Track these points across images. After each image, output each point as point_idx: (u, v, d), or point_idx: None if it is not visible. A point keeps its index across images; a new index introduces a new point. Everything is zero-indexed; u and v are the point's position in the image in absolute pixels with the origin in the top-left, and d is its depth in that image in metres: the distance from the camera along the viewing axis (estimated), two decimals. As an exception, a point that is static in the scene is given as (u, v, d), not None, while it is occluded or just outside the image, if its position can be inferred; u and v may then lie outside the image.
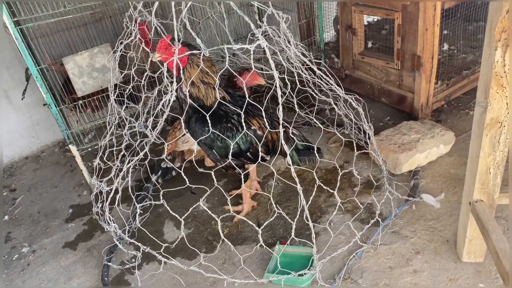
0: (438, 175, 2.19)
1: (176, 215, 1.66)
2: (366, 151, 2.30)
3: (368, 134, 1.93)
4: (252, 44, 1.29)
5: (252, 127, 1.94)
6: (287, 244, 1.93)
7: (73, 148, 2.37)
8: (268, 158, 2.08)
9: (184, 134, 2.23)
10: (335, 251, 1.81)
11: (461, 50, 2.78)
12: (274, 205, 1.59)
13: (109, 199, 1.82)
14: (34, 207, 2.58)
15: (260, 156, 2.01)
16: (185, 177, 1.60)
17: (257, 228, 1.59)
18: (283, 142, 1.48)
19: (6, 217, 2.54)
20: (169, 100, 1.54)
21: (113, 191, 1.81)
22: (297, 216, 1.59)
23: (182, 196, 2.42)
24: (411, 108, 2.55)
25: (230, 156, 1.83)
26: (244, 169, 2.07)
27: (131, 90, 1.99)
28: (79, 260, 2.15)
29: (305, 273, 1.68)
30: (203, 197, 1.65)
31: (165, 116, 1.62)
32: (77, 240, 2.28)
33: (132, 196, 1.84)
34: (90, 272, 2.07)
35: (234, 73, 1.74)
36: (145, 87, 2.08)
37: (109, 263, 1.99)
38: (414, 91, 2.48)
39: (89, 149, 2.47)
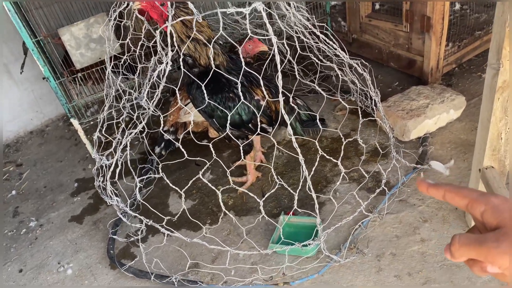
0: (447, 141, 2.12)
1: (177, 188, 1.63)
2: (373, 118, 2.23)
3: (375, 100, 1.86)
4: (247, 8, 1.22)
5: (256, 97, 1.88)
6: (291, 215, 1.90)
7: (75, 122, 2.34)
8: (270, 129, 2.03)
9: (186, 105, 2.18)
10: (340, 220, 1.78)
11: (473, 10, 2.65)
12: (275, 176, 1.54)
13: (109, 173, 1.79)
14: (41, 182, 2.59)
15: (261, 127, 1.98)
16: (183, 150, 1.56)
17: (258, 200, 1.55)
18: (283, 111, 1.42)
19: (14, 192, 2.55)
20: (164, 70, 1.48)
21: (113, 165, 1.79)
22: (299, 187, 1.54)
23: (187, 168, 2.40)
24: (421, 72, 2.45)
25: (229, 127, 1.79)
26: (247, 140, 2.03)
27: (128, 60, 1.93)
28: (85, 233, 2.16)
29: (309, 244, 1.65)
30: (202, 170, 1.61)
31: (161, 87, 1.57)
32: (83, 213, 2.28)
33: (132, 171, 1.80)
34: (96, 245, 2.08)
35: (234, 43, 1.67)
36: (142, 57, 2.02)
37: (114, 236, 1.99)
38: (423, 54, 2.38)
39: (91, 123, 2.44)
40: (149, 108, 1.69)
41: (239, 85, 1.34)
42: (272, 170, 1.54)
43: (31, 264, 2.06)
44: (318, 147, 1.51)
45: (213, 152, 1.50)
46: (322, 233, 1.63)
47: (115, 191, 1.85)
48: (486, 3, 2.73)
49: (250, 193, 1.63)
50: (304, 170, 1.48)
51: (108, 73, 1.87)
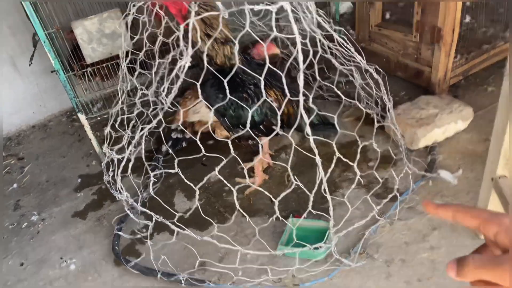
0: (455, 151, 2.14)
1: (191, 184, 1.62)
2: (381, 125, 2.25)
3: (388, 106, 1.87)
4: (273, 5, 1.22)
5: (269, 98, 1.88)
6: (304, 217, 1.90)
7: (81, 117, 2.32)
8: (281, 132, 2.03)
9: (195, 105, 2.17)
10: (351, 225, 1.78)
11: (481, 24, 2.69)
12: (291, 177, 1.54)
13: (121, 167, 1.78)
14: (43, 176, 2.56)
15: (271, 129, 1.98)
16: (200, 145, 1.56)
17: (274, 200, 1.55)
18: (302, 112, 1.43)
19: (15, 185, 2.52)
20: (184, 65, 1.48)
21: (125, 159, 1.78)
22: (315, 188, 1.54)
23: (193, 167, 2.39)
24: (428, 83, 2.48)
25: (241, 127, 1.79)
26: (257, 141, 2.03)
27: (142, 57, 1.92)
28: (89, 229, 2.13)
29: (320, 246, 1.65)
30: (220, 165, 1.60)
31: (179, 82, 1.57)
32: (86, 209, 2.26)
33: (146, 164, 1.79)
34: (100, 241, 2.06)
35: (259, 39, 1.69)
36: (157, 54, 2.02)
37: (120, 233, 1.97)
38: (432, 65, 2.40)
39: (98, 118, 2.42)
40: (165, 103, 1.69)
41: (262, 82, 1.34)
42: (289, 170, 1.53)
43: (33, 258, 2.03)
44: (335, 148, 1.51)
45: (231, 148, 1.49)
46: (334, 236, 1.63)
47: (122, 186, 1.83)
48: (493, 18, 2.77)
49: (265, 192, 1.61)
50: (321, 171, 1.48)
51: (123, 67, 1.86)
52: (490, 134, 2.19)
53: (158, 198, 1.77)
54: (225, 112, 1.83)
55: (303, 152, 1.74)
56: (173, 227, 1.68)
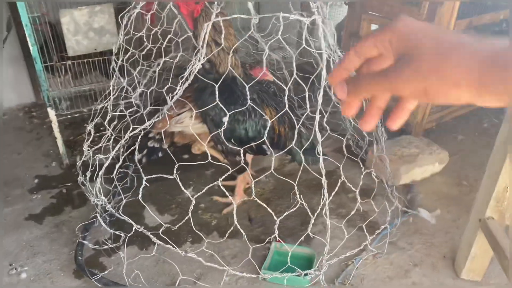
0: (431, 192, 2.19)
1: (185, 190, 1.50)
2: (362, 158, 2.27)
3: (378, 140, 1.89)
4: (307, 18, 1.20)
5: (264, 116, 1.84)
6: (282, 243, 1.83)
7: (51, 113, 2.13)
8: (269, 152, 1.98)
9: (179, 114, 2.07)
10: (334, 254, 1.73)
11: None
12: (297, 195, 1.48)
13: (103, 169, 1.63)
14: (-7, 173, 2.30)
15: (262, 147, 1.93)
16: (173, 157, 1.49)
17: (250, 221, 1.47)
18: (318, 135, 1.39)
19: (-41, 179, 2.24)
20: (196, 68, 1.40)
21: (108, 161, 1.63)
22: (318, 211, 1.49)
23: (165, 180, 2.23)
24: (406, 124, 2.55)
25: (232, 141, 1.72)
26: (244, 158, 1.96)
27: (136, 55, 1.82)
28: (45, 235, 1.92)
29: (309, 273, 1.58)
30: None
31: (185, 85, 1.48)
32: (43, 213, 2.04)
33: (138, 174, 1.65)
34: (58, 250, 1.85)
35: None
36: (141, 58, 1.93)
37: (84, 242, 1.79)
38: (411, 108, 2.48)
39: (68, 117, 2.24)
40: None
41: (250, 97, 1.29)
42: (296, 188, 1.47)
43: (-25, 262, 1.78)
44: (323, 174, 1.47)
45: (217, 161, 1.41)
46: (324, 263, 1.57)
47: (101, 190, 1.67)
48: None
49: (267, 205, 1.53)
50: (325, 194, 1.44)
51: (115, 64, 1.75)
52: (463, 179, 2.29)
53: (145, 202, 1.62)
54: (220, 124, 1.75)
55: (282, 176, 1.69)
56: (155, 239, 1.55)
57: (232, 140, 1.82)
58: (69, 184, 2.21)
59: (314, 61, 1.90)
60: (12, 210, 2.04)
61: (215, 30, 1.61)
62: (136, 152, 2.01)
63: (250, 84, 1.49)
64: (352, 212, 1.66)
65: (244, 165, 1.99)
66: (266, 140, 1.88)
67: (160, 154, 2.27)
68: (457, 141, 2.64)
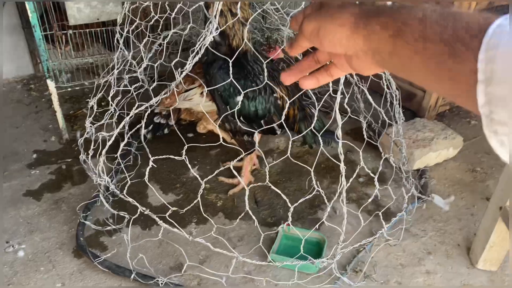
0: (444, 178, 2.12)
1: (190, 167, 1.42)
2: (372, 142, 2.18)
3: (396, 121, 1.80)
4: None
5: (274, 94, 1.75)
6: (291, 226, 1.76)
7: (51, 84, 2.03)
8: (279, 132, 1.90)
9: (188, 90, 1.98)
10: (347, 242, 1.66)
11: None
12: (314, 182, 1.40)
13: (106, 147, 1.54)
14: (-11, 146, 2.21)
15: (272, 127, 1.84)
16: (181, 136, 1.39)
17: (255, 206, 1.40)
18: (338, 118, 1.31)
19: (-47, 152, 2.15)
20: (207, 40, 1.30)
21: (112, 138, 1.54)
22: (335, 197, 1.41)
23: (169, 159, 2.16)
24: (419, 107, 2.46)
25: (242, 119, 1.64)
26: (252, 139, 1.87)
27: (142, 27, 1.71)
28: (43, 212, 1.84)
29: (322, 261, 1.51)
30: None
31: (195, 59, 1.38)
32: (41, 189, 1.96)
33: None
34: (56, 227, 1.78)
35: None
36: (147, 30, 1.82)
37: (86, 222, 1.71)
38: (425, 90, 2.39)
39: (69, 89, 2.14)
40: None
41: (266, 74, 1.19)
42: (312, 174, 1.39)
43: (-30, 238, 1.70)
44: (341, 155, 1.39)
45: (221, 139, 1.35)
46: (339, 252, 1.50)
47: (104, 169, 1.59)
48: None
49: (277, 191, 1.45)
50: (343, 181, 1.36)
51: (119, 36, 1.64)
52: (477, 165, 2.21)
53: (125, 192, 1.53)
54: (229, 100, 1.66)
55: (288, 158, 1.61)
56: (161, 223, 1.47)
57: (241, 118, 1.73)
58: (69, 160, 2.12)
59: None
60: (10, 186, 1.96)
61: None
62: (142, 127, 1.93)
63: (267, 61, 1.39)
64: (370, 200, 1.59)
65: (252, 146, 1.91)
66: (276, 118, 1.80)
67: (166, 131, 2.19)
68: (470, 125, 2.55)
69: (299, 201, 1.42)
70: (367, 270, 1.61)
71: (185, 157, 1.32)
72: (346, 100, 1.39)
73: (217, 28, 1.39)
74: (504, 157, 0.39)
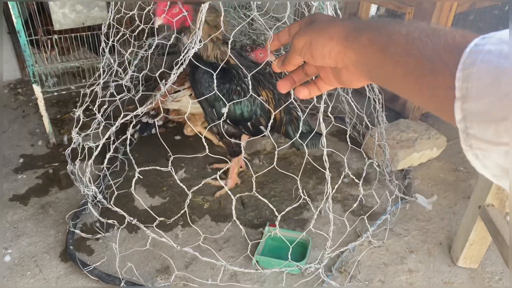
0: (428, 177, 2.15)
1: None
2: (356, 142, 2.22)
3: (379, 123, 1.83)
4: None
5: (260, 97, 1.77)
6: (276, 227, 1.78)
7: (37, 89, 2.04)
8: (266, 132, 1.92)
9: (177, 91, 2.00)
10: (332, 245, 1.68)
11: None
12: (300, 191, 1.42)
13: (93, 157, 1.55)
14: (-25, 151, 2.21)
15: (258, 128, 1.86)
16: (169, 138, 1.39)
17: (241, 207, 1.43)
18: (321, 120, 1.33)
19: None
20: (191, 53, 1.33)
21: (99, 148, 1.55)
22: (327, 204, 1.43)
23: (156, 161, 2.18)
24: (403, 108, 2.50)
25: (228, 121, 1.66)
26: (239, 140, 1.90)
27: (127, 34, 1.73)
28: (30, 217, 1.85)
29: (310, 266, 1.54)
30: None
31: (181, 69, 1.40)
32: (28, 194, 1.96)
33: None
34: (43, 232, 1.78)
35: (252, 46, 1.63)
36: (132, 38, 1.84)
37: (75, 230, 1.72)
38: (410, 91, 2.43)
39: (55, 94, 2.14)
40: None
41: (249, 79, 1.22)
42: (299, 183, 1.41)
43: (-44, 244, 1.71)
44: (325, 158, 1.41)
45: (206, 145, 1.37)
46: (326, 257, 1.53)
47: (91, 179, 1.60)
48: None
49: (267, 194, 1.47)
50: (329, 187, 1.39)
51: (102, 44, 1.65)
52: (460, 164, 2.25)
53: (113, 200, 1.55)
54: (214, 103, 1.68)
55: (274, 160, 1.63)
56: (148, 233, 1.49)
57: (228, 121, 1.76)
58: (56, 164, 2.13)
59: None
60: (-4, 191, 1.96)
61: (209, 26, 1.55)
62: (130, 127, 1.94)
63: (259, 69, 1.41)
64: (355, 205, 1.62)
65: (240, 147, 1.93)
66: (263, 120, 1.82)
67: (153, 131, 2.20)
68: (453, 126, 2.58)
69: (286, 210, 1.44)
70: (352, 271, 1.64)
71: (171, 168, 1.34)
72: (330, 107, 1.41)
73: (200, 41, 1.41)
74: (479, 170, 0.40)
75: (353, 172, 2.17)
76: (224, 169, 1.62)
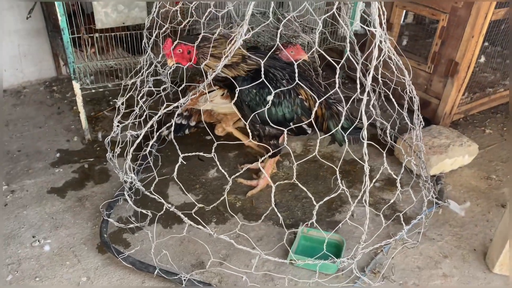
0: (459, 184, 2.14)
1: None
2: (388, 147, 2.22)
3: (414, 126, 1.83)
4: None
5: (300, 96, 1.79)
6: (309, 227, 1.79)
7: (76, 86, 2.09)
8: (309, 131, 1.94)
9: (209, 92, 2.03)
10: (367, 244, 1.69)
11: (492, 66, 2.79)
12: (339, 181, 1.43)
13: (134, 145, 1.59)
14: (13, 145, 2.27)
15: (301, 127, 1.88)
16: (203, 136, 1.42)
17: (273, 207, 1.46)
18: (363, 113, 1.34)
19: (-18, 150, 2.21)
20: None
21: (140, 137, 1.59)
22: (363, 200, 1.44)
23: (189, 160, 2.21)
24: (433, 115, 2.50)
25: (271, 124, 1.69)
26: (277, 143, 1.93)
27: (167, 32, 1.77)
28: (68, 209, 1.89)
29: (343, 261, 1.55)
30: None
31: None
32: (65, 187, 2.01)
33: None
34: (81, 224, 1.82)
35: (280, 46, 1.66)
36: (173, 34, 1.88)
37: (109, 219, 1.75)
38: (441, 98, 2.43)
39: (93, 91, 2.19)
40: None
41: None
42: (338, 173, 1.42)
43: (-2, 232, 1.75)
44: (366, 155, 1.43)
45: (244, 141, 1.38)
46: (359, 252, 1.53)
47: (132, 166, 1.64)
48: (493, 66, 2.88)
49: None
50: (367, 180, 1.39)
51: (147, 39, 1.70)
52: (492, 172, 2.23)
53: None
54: (256, 108, 1.72)
55: (306, 162, 1.64)
56: (186, 220, 1.52)
57: (271, 123, 1.79)
58: (91, 159, 2.18)
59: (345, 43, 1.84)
60: (35, 183, 2.01)
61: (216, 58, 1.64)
62: (164, 128, 1.99)
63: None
64: (389, 203, 1.62)
65: (278, 150, 1.95)
66: (305, 118, 1.84)
67: (186, 131, 2.24)
68: (484, 134, 2.57)
69: (325, 199, 1.45)
70: (385, 272, 1.64)
71: (214, 154, 1.36)
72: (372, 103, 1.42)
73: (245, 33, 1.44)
74: None
75: (384, 177, 2.18)
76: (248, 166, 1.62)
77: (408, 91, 1.77)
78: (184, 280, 1.52)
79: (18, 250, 1.69)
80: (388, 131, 2.28)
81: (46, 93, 2.74)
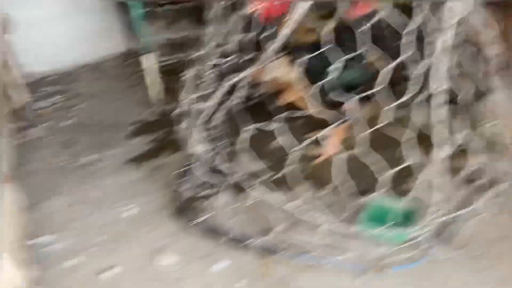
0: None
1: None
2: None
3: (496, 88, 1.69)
4: None
5: (369, 59, 1.73)
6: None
7: (149, 59, 2.17)
8: (379, 97, 1.87)
9: (274, 60, 2.01)
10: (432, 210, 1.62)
11: None
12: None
13: (206, 117, 1.64)
14: (94, 117, 2.43)
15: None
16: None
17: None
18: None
19: (65, 123, 2.40)
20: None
21: (212, 108, 1.63)
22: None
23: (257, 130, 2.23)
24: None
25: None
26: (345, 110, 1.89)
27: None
28: (143, 178, 2.02)
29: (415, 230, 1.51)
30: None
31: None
32: (141, 157, 2.14)
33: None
34: (156, 192, 1.93)
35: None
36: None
37: (181, 188, 1.84)
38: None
39: (168, 62, 2.27)
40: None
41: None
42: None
43: (82, 199, 1.91)
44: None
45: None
46: (431, 222, 1.48)
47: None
48: None
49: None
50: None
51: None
52: None
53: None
54: (322, 75, 1.68)
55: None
56: (256, 187, 1.55)
57: (340, 89, 1.74)
58: (165, 130, 2.27)
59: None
60: (112, 154, 2.16)
61: None
62: (236, 96, 2.01)
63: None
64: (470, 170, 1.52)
65: (348, 116, 1.91)
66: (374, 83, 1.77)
67: (253, 102, 2.26)
68: None
69: (397, 168, 1.40)
70: (457, 243, 1.57)
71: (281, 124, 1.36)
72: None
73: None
74: None
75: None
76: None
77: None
78: (255, 245, 1.57)
79: (102, 215, 1.83)
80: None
81: (122, 66, 2.88)
